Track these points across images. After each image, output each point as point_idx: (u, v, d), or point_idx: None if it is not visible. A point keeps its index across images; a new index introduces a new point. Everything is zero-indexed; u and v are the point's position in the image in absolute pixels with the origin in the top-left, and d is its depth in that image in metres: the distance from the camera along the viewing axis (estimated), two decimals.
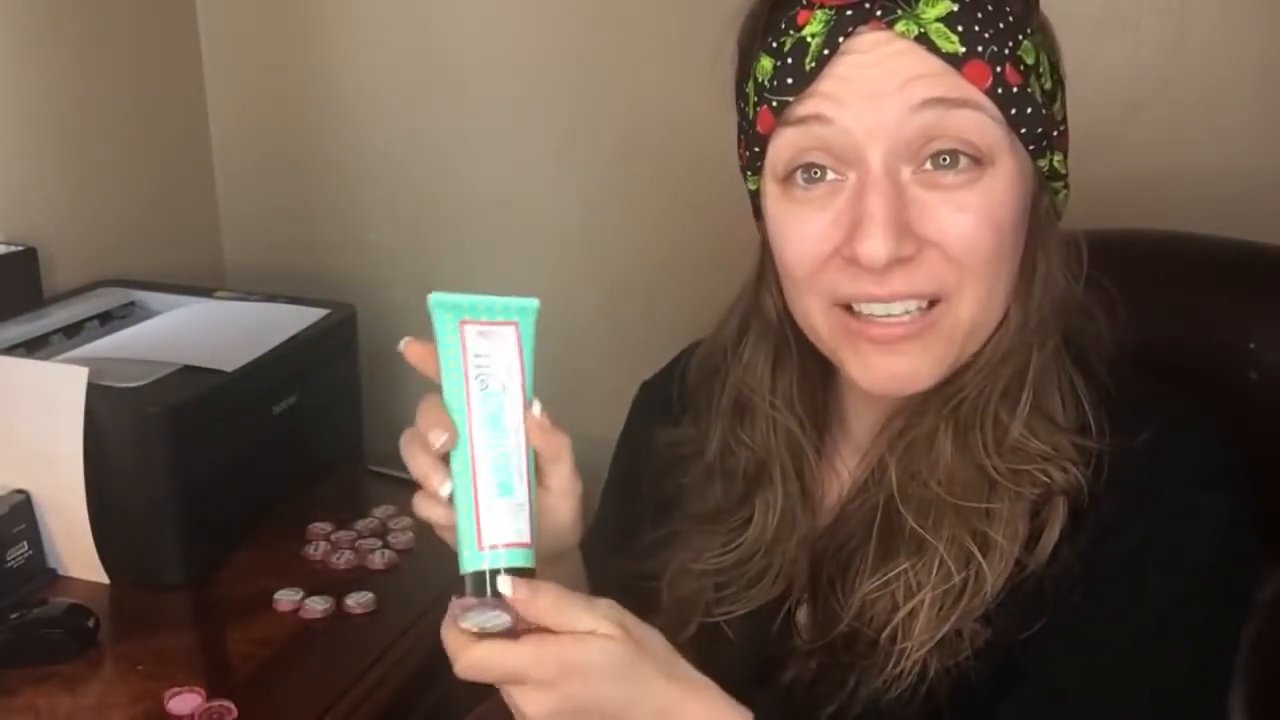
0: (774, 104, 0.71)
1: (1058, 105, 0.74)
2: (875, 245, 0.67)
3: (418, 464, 0.67)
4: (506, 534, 0.65)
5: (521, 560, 0.65)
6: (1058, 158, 0.73)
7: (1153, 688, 0.69)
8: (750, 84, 0.73)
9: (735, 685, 0.69)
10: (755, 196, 0.78)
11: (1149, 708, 0.69)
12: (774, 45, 0.71)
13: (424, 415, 0.67)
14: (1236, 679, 0.87)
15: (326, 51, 1.61)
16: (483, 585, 0.64)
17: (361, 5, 1.58)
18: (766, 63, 0.71)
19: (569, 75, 1.50)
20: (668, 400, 0.89)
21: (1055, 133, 0.72)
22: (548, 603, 0.64)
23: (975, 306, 0.71)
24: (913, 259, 0.69)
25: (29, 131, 1.42)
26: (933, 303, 0.71)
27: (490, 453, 0.66)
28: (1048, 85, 0.72)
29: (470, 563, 0.65)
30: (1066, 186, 0.76)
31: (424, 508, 0.68)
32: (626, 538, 0.89)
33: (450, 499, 0.67)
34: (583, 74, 1.50)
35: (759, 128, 0.73)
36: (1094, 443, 0.72)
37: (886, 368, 0.72)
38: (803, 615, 0.80)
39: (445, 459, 0.67)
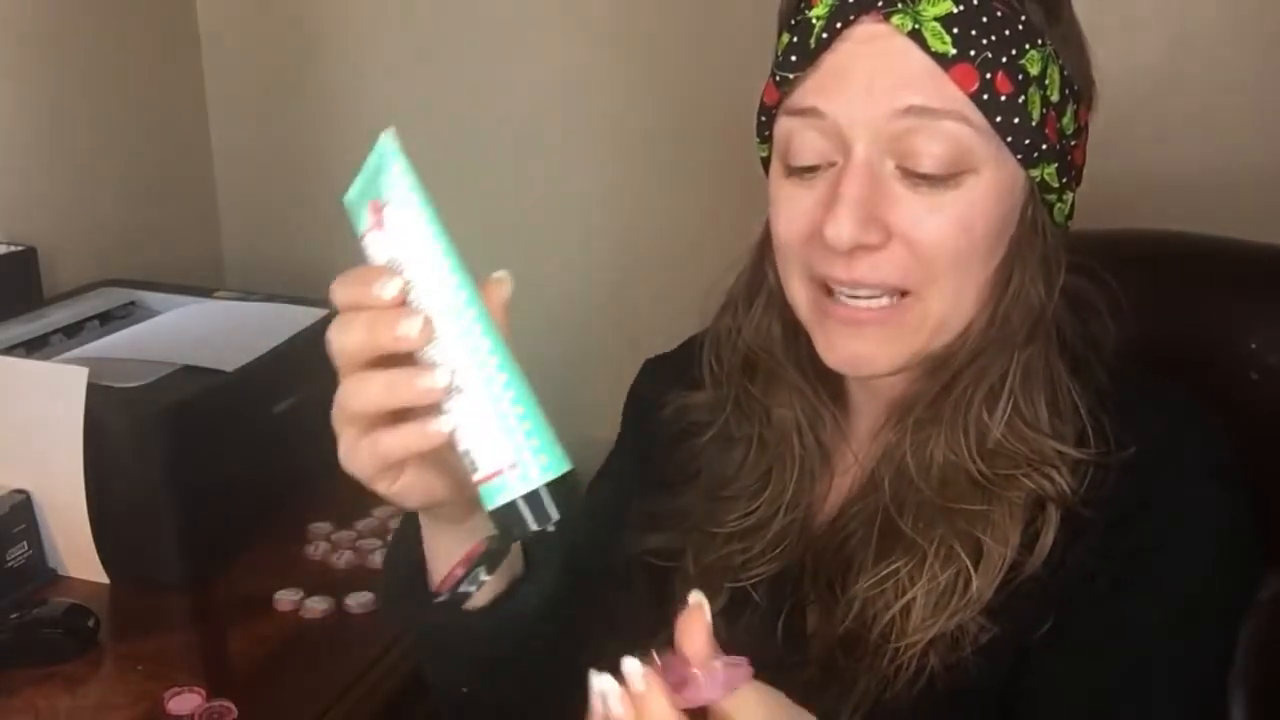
0: (777, 78, 0.74)
1: (1066, 119, 0.73)
2: (839, 228, 0.70)
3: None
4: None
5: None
6: (1050, 171, 0.73)
7: (1178, 677, 0.70)
8: (773, 57, 0.76)
9: (771, 659, 0.68)
10: (765, 163, 0.80)
11: (1174, 697, 0.70)
12: (792, 23, 0.73)
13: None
14: (1236, 679, 0.87)
15: (327, 50, 1.61)
16: (569, 486, 0.56)
17: (362, 4, 1.58)
18: (784, 38, 0.74)
19: (572, 75, 1.50)
20: (682, 370, 0.89)
21: (1047, 146, 0.72)
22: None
23: (945, 302, 0.73)
24: (879, 249, 0.71)
25: (29, 131, 1.42)
26: (903, 295, 0.73)
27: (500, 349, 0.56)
28: (1053, 98, 0.72)
29: (561, 460, 0.56)
30: (1063, 200, 0.76)
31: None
32: (638, 512, 0.88)
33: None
34: (588, 74, 1.50)
35: (765, 98, 0.76)
36: (1077, 450, 0.72)
37: (848, 348, 0.75)
38: (811, 616, 0.80)
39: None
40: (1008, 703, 0.72)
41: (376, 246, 0.58)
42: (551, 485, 0.56)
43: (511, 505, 0.56)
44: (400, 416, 0.58)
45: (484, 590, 0.71)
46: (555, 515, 0.56)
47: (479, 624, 0.73)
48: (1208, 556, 0.71)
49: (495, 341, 0.56)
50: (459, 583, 0.59)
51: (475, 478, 0.57)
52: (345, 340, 0.58)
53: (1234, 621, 0.75)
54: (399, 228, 0.57)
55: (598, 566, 0.82)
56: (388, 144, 0.58)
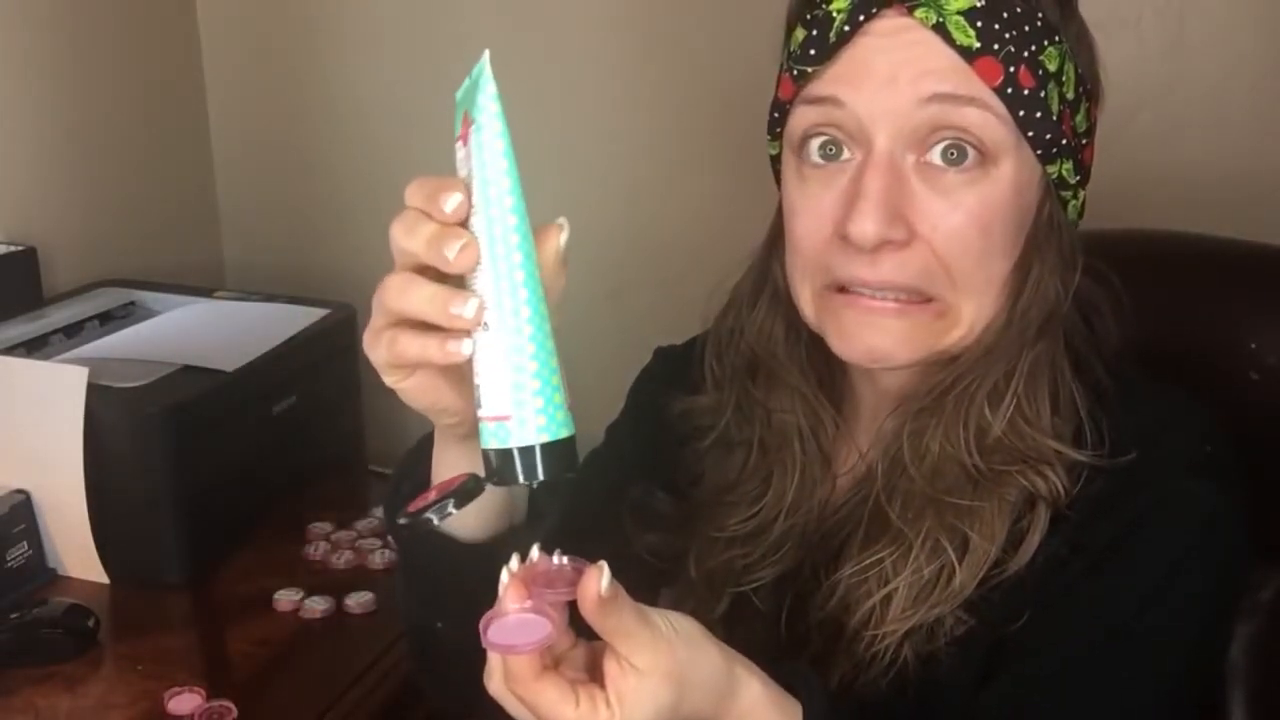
0: (795, 73, 0.73)
1: (1079, 117, 0.74)
2: (865, 224, 0.69)
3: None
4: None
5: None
6: (1067, 167, 0.73)
7: (1127, 676, 0.69)
8: (784, 52, 0.75)
9: (773, 661, 0.68)
10: (775, 161, 0.80)
11: (1125, 697, 0.70)
12: (808, 17, 0.73)
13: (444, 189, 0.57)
14: (1236, 679, 0.87)
15: (327, 50, 1.61)
16: (565, 452, 0.57)
17: (363, 2, 1.58)
18: (799, 33, 0.73)
19: (574, 74, 1.50)
20: (685, 368, 0.89)
21: (1065, 142, 0.72)
22: (615, 624, 0.58)
23: (971, 305, 0.73)
24: (903, 245, 0.71)
25: (29, 131, 1.42)
26: (928, 300, 0.73)
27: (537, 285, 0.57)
28: (1069, 95, 0.72)
29: (562, 425, 0.57)
30: (1076, 197, 0.76)
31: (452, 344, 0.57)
32: (638, 505, 0.88)
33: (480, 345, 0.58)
34: (590, 72, 1.50)
35: (780, 93, 0.76)
36: (1075, 451, 0.72)
37: (865, 339, 0.74)
38: (811, 616, 0.80)
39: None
40: (979, 692, 0.72)
41: (461, 158, 0.59)
42: (546, 446, 0.57)
43: (501, 452, 0.57)
44: (428, 324, 0.58)
45: (479, 528, 0.72)
46: (542, 475, 0.57)
47: (465, 555, 0.72)
48: (1184, 547, 0.70)
49: (533, 292, 0.57)
50: (426, 508, 0.60)
51: (479, 413, 0.58)
52: (402, 241, 0.58)
53: (1216, 615, 0.75)
54: (476, 151, 0.56)
55: (590, 531, 0.82)
56: (484, 65, 0.57)
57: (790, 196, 0.75)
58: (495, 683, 0.60)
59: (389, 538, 1.22)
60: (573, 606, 0.58)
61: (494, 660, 0.60)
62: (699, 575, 0.82)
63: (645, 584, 0.86)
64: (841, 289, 0.74)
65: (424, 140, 1.59)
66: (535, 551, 0.61)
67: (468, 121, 0.57)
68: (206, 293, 1.46)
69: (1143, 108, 1.23)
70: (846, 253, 0.72)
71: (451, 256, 0.56)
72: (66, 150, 1.47)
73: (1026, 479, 0.72)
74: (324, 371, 1.37)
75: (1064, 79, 0.72)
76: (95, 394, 1.11)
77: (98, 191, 1.51)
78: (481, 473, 0.60)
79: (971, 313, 0.73)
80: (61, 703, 0.99)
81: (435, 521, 0.59)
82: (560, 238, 0.60)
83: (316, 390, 1.35)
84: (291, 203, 1.68)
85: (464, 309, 0.56)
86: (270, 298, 1.44)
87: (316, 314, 1.38)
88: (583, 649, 0.62)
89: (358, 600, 1.13)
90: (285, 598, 1.14)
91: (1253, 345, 0.88)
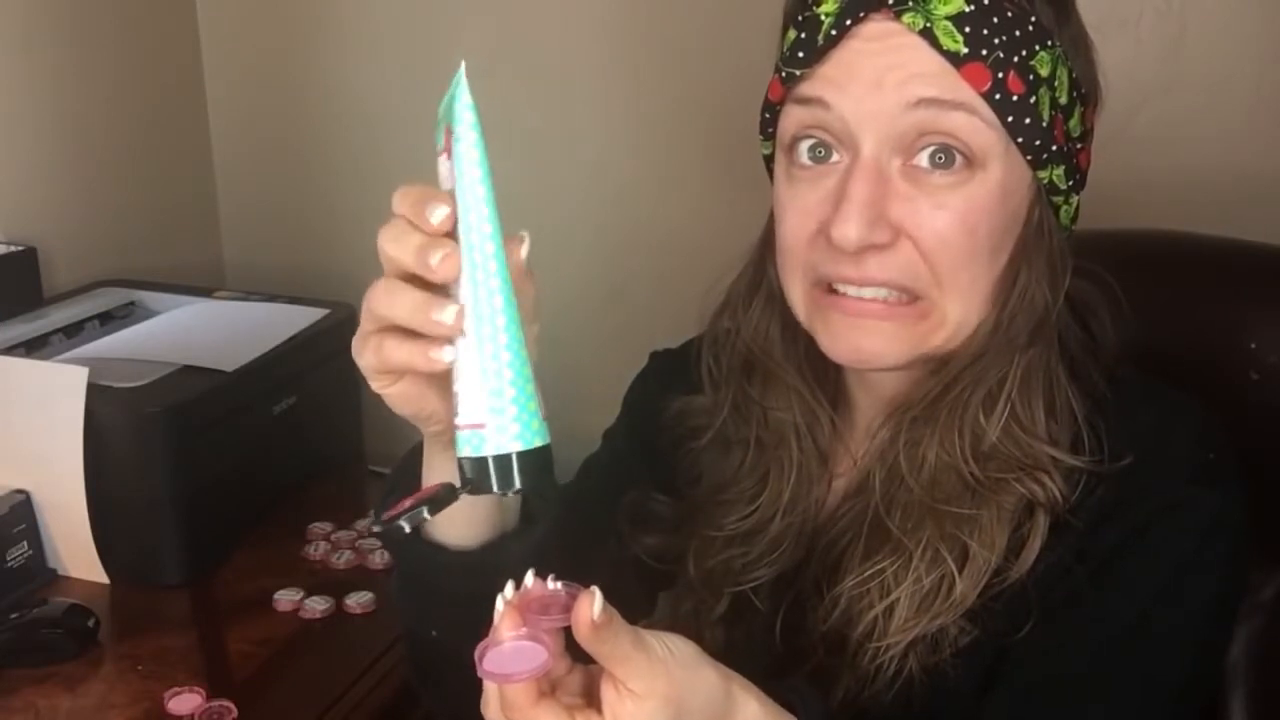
0: (783, 74, 0.73)
1: (1073, 122, 0.74)
2: (848, 228, 0.70)
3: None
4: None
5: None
6: (1058, 173, 0.73)
7: (1131, 683, 0.69)
8: (778, 53, 0.76)
9: (770, 664, 0.68)
10: (769, 161, 0.80)
11: (1127, 703, 0.69)
12: (799, 19, 0.73)
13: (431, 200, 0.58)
14: (1237, 679, 0.87)
15: (327, 51, 1.61)
16: (540, 461, 0.58)
17: (363, 3, 1.58)
18: (791, 34, 0.73)
19: (575, 74, 1.50)
20: (682, 370, 0.89)
21: (1056, 147, 0.72)
22: (610, 649, 0.57)
23: (958, 306, 0.73)
24: (887, 247, 0.71)
25: (29, 131, 1.42)
26: (915, 299, 0.73)
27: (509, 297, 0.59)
28: (1062, 100, 0.72)
29: (536, 434, 0.58)
30: (1069, 203, 0.76)
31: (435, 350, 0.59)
32: (635, 508, 0.88)
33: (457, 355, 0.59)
34: (590, 72, 1.50)
35: (770, 94, 0.76)
36: (1071, 457, 0.72)
37: (853, 340, 0.74)
38: (809, 619, 0.80)
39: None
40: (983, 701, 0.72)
41: (443, 170, 0.60)
42: (522, 455, 0.58)
43: (476, 460, 0.58)
44: (414, 331, 0.60)
45: (470, 536, 0.72)
46: (517, 484, 0.58)
47: (456, 562, 0.72)
48: (1188, 553, 0.70)
49: (508, 301, 0.58)
50: (400, 515, 0.60)
51: (456, 420, 0.59)
52: (390, 249, 0.60)
53: (1220, 619, 0.75)
54: (456, 162, 0.58)
55: (587, 536, 0.83)
56: (460, 77, 0.58)
57: (780, 196, 0.76)
58: (492, 711, 0.61)
59: None
60: (568, 630, 0.58)
61: (490, 689, 0.60)
62: (697, 575, 0.83)
63: (643, 588, 0.86)
64: (829, 289, 0.74)
65: (424, 141, 1.59)
66: (530, 577, 0.61)
67: (449, 134, 0.58)
68: (206, 293, 1.46)
69: (1142, 108, 1.22)
70: (831, 252, 0.72)
71: (435, 265, 0.58)
72: (66, 150, 1.47)
73: (1024, 486, 0.72)
74: (324, 371, 1.37)
75: (1056, 84, 0.71)
76: (95, 394, 1.11)
77: (98, 191, 1.51)
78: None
79: (958, 314, 0.73)
80: (61, 703, 0.99)
81: (408, 528, 0.60)
82: (521, 250, 0.62)
83: (316, 390, 1.35)
84: (291, 203, 1.68)
85: (444, 315, 0.58)
86: (270, 298, 1.44)
87: (316, 314, 1.38)
88: (579, 673, 0.62)
89: (358, 600, 1.13)
90: (285, 598, 1.14)
91: (1253, 345, 0.88)
